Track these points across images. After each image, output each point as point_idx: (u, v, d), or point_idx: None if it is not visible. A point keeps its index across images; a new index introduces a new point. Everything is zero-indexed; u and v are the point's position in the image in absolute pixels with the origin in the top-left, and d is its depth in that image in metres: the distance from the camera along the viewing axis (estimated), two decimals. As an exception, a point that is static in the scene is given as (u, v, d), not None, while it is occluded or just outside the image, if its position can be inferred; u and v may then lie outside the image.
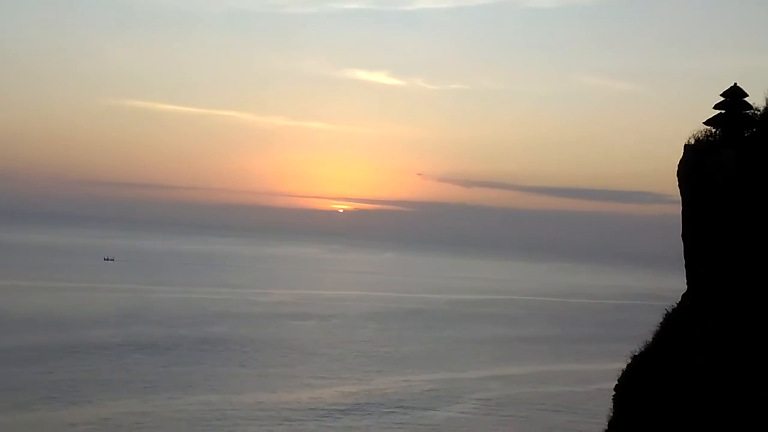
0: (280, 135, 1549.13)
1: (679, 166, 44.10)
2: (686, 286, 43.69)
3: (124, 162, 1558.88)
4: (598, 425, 50.96)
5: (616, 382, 43.71)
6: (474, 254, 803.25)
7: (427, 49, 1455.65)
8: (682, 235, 43.83)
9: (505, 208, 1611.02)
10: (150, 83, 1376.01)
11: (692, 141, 44.00)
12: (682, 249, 44.11)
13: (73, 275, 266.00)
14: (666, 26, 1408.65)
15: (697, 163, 42.46)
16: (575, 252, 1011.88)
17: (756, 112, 43.22)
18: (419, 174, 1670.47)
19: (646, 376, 41.55)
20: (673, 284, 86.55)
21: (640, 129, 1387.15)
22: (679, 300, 43.99)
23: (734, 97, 43.26)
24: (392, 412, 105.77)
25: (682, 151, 44.28)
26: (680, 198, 44.19)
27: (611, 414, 43.42)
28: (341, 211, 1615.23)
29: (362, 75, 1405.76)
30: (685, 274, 44.04)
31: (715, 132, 43.47)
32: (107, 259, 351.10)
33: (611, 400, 44.09)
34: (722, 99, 43.64)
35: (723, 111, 43.43)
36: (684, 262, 44.07)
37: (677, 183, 44.24)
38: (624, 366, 43.93)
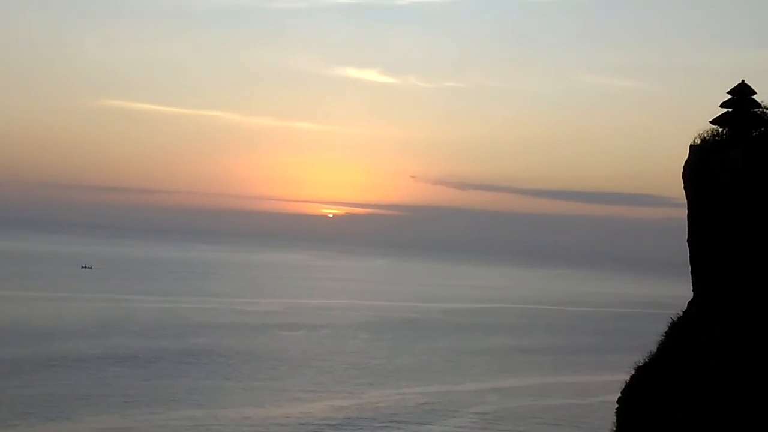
0: (267, 136, 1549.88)
1: (684, 167, 44.00)
2: (692, 293, 43.55)
3: (103, 165, 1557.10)
4: (600, 440, 50.81)
5: (619, 395, 43.54)
6: (469, 260, 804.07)
7: (420, 46, 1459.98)
8: (688, 240, 43.69)
9: (502, 211, 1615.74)
10: (130, 82, 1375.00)
11: (698, 141, 43.91)
12: (688, 254, 43.98)
13: (49, 284, 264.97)
14: (669, 20, 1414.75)
15: (703, 164, 42.35)
16: (574, 258, 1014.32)
17: (764, 110, 43.16)
18: (412, 176, 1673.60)
19: (650, 388, 41.34)
20: (678, 291, 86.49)
21: (642, 128, 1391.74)
22: (685, 308, 43.85)
23: (741, 94, 43.18)
24: (385, 426, 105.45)
25: (688, 151, 44.18)
26: (685, 201, 44.09)
27: (614, 428, 43.22)
28: (331, 215, 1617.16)
29: (353, 72, 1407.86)
30: (690, 280, 43.92)
31: (722, 131, 43.38)
32: (85, 267, 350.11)
33: (614, 414, 43.89)
34: (729, 97, 43.56)
35: (730, 109, 43.35)
36: (690, 267, 43.93)
37: (682, 185, 44.14)
38: (627, 377, 43.78)
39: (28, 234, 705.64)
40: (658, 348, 43.29)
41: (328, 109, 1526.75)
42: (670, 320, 43.97)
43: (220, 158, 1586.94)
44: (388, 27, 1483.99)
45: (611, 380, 57.01)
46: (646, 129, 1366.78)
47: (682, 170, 44.24)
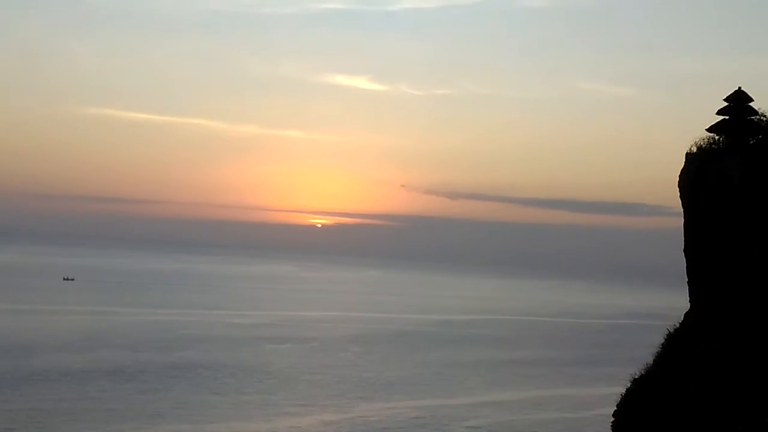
0: (253, 144, 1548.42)
1: (680, 175, 44.13)
2: (689, 304, 43.64)
3: (87, 174, 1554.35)
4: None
5: (615, 408, 43.57)
6: (461, 271, 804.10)
7: (410, 52, 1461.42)
8: (684, 250, 43.80)
9: (494, 221, 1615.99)
10: (117, 89, 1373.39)
11: (694, 149, 44.06)
12: (684, 264, 44.09)
13: (30, 296, 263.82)
14: (665, 27, 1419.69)
15: (700, 172, 42.49)
16: (568, 268, 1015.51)
17: (762, 117, 43.33)
18: (403, 185, 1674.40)
19: (647, 400, 41.36)
20: (675, 302, 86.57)
21: (636, 136, 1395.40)
22: (682, 319, 43.94)
23: (738, 102, 43.34)
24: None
25: (684, 159, 44.32)
26: (681, 210, 44.21)
27: (610, 442, 43.23)
28: (320, 225, 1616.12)
29: (342, 80, 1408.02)
30: (687, 291, 44.02)
31: (719, 139, 43.54)
32: (67, 279, 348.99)
33: (610, 427, 43.90)
34: (726, 104, 43.72)
35: (727, 117, 43.50)
36: (686, 278, 44.04)
37: (678, 194, 44.27)
38: (623, 390, 43.82)
39: (10, 245, 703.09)
40: (654, 360, 43.36)
41: (317, 117, 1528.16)
42: (667, 332, 44.04)
43: (206, 167, 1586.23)
44: (378, 34, 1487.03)
45: (607, 393, 57.05)
46: (641, 137, 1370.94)
47: (678, 179, 44.38)
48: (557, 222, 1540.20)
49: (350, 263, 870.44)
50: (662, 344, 43.56)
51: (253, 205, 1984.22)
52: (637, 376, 43.47)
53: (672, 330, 43.78)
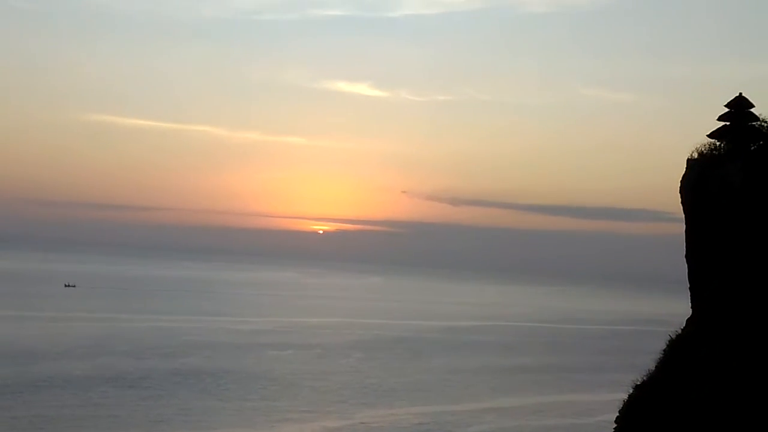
0: (255, 151, 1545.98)
1: (681, 181, 44.19)
2: (691, 310, 43.67)
3: (89, 181, 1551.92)
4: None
5: (618, 414, 43.58)
6: (463, 277, 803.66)
7: (412, 59, 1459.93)
8: (686, 256, 43.84)
9: (495, 227, 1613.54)
10: (119, 96, 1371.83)
11: (695, 155, 44.12)
12: (685, 270, 44.13)
13: (32, 303, 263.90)
14: (667, 33, 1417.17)
15: (701, 178, 42.55)
16: (569, 274, 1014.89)
17: (763, 123, 43.39)
18: (404, 192, 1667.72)
19: (649, 407, 41.39)
20: (676, 308, 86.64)
21: (638, 142, 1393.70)
22: (684, 325, 43.95)
23: (739, 107, 43.42)
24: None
25: (685, 165, 44.39)
26: (683, 215, 44.26)
27: (613, 447, 43.23)
28: (321, 232, 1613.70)
29: (343, 86, 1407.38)
30: (689, 296, 44.06)
31: (720, 145, 43.60)
32: (68, 286, 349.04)
33: (613, 433, 43.90)
34: (727, 110, 43.80)
35: (728, 123, 43.58)
36: (688, 284, 44.07)
37: (680, 200, 44.33)
38: (625, 396, 43.82)
39: (13, 251, 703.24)
40: (656, 366, 43.36)
41: (319, 123, 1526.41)
42: (669, 338, 44.05)
43: (208, 174, 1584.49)
44: (379, 40, 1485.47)
45: (609, 399, 57.04)
46: (642, 143, 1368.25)
47: (679, 185, 44.43)
48: (559, 228, 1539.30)
49: (352, 270, 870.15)
50: (664, 350, 43.56)
51: (255, 211, 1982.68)
52: (639, 383, 43.47)
53: (674, 336, 43.79)
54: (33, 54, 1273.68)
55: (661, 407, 40.88)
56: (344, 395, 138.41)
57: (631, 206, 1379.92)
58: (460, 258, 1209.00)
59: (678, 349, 42.43)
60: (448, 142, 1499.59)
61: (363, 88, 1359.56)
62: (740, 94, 43.82)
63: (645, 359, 46.58)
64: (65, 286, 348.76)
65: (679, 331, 43.79)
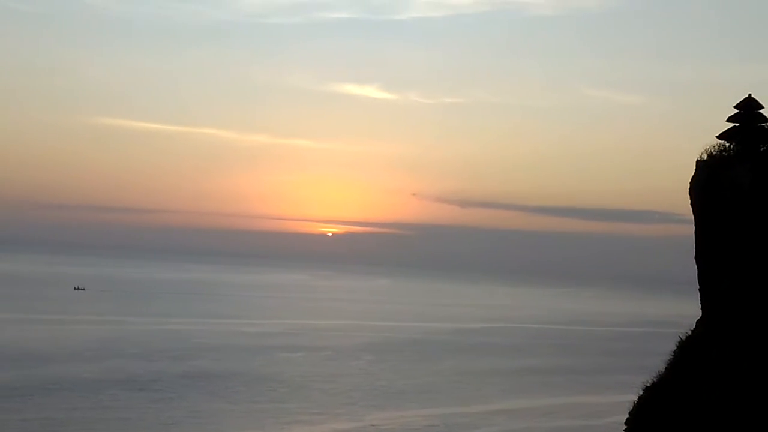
0: (264, 154, 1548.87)
1: (691, 183, 44.16)
2: (701, 312, 43.64)
3: (97, 184, 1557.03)
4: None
5: (628, 416, 43.58)
6: (472, 279, 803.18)
7: (420, 61, 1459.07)
8: (696, 257, 43.82)
9: (504, 229, 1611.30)
10: (126, 99, 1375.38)
11: (705, 156, 44.09)
12: (695, 271, 44.10)
13: (42, 306, 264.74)
14: (675, 34, 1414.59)
15: (711, 179, 42.53)
16: (578, 276, 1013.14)
17: (772, 125, 43.33)
18: (413, 194, 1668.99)
19: (659, 408, 41.40)
20: (686, 310, 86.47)
21: (647, 143, 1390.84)
22: (693, 326, 43.93)
23: (749, 109, 43.40)
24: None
25: (694, 167, 44.37)
26: (692, 217, 44.24)
27: (623, 449, 43.23)
28: (330, 234, 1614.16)
29: (351, 89, 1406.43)
30: (698, 298, 44.02)
31: (729, 146, 43.56)
32: (78, 289, 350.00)
33: (623, 435, 43.90)
34: (736, 111, 43.78)
35: (737, 124, 43.56)
36: (697, 285, 44.04)
37: (689, 201, 44.30)
38: (635, 398, 43.82)
39: (21, 255, 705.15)
40: (666, 368, 43.35)
41: (327, 126, 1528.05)
42: (679, 339, 44.03)
43: (216, 177, 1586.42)
44: (387, 43, 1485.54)
45: (619, 401, 57.06)
46: (651, 144, 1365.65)
47: (688, 186, 44.41)
48: (567, 230, 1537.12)
49: (361, 272, 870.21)
50: (674, 352, 43.55)
51: (263, 214, 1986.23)
52: (649, 384, 43.47)
53: (684, 337, 43.76)
54: (41, 57, 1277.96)
55: (671, 409, 40.88)
56: (354, 397, 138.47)
57: (640, 208, 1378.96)
58: (468, 260, 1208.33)
59: (688, 351, 42.42)
60: (457, 145, 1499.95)
61: (371, 91, 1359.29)
62: (750, 95, 43.78)
63: (655, 361, 46.56)
64: (75, 289, 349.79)
65: (689, 333, 43.77)
